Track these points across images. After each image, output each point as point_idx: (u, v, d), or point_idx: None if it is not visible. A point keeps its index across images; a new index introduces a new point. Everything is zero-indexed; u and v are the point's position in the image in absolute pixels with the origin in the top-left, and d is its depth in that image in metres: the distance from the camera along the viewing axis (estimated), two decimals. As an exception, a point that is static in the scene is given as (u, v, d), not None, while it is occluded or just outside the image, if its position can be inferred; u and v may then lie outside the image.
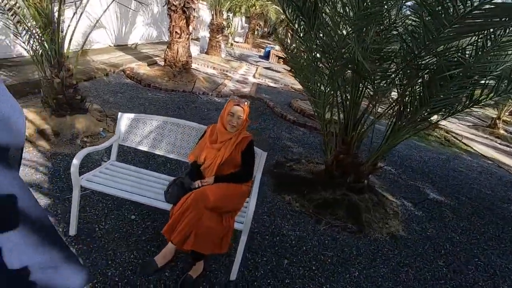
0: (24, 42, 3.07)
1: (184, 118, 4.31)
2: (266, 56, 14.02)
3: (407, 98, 2.64)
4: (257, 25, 22.36)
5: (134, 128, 2.22)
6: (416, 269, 2.41)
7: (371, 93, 2.66)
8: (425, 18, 1.89)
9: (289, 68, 11.36)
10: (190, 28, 6.17)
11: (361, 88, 2.89)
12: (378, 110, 2.83)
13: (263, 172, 3.32)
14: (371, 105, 3.02)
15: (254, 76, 9.06)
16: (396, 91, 2.73)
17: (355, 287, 2.09)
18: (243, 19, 22.15)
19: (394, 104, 2.92)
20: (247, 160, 2.02)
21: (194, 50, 9.98)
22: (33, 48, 3.11)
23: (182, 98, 5.40)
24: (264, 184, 3.15)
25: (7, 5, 2.94)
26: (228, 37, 14.75)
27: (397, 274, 2.31)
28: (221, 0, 9.56)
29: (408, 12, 2.66)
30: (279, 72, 10.91)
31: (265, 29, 28.01)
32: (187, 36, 6.23)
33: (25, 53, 5.19)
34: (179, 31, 6.05)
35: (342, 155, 3.15)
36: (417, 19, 2.10)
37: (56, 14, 2.97)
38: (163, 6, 6.27)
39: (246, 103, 1.97)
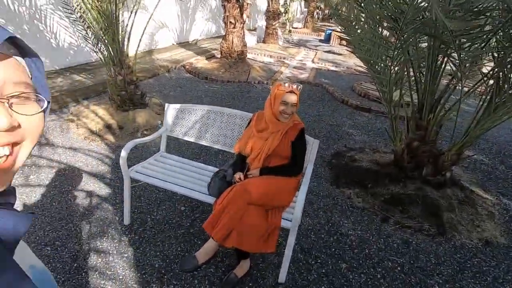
0: (93, 46, 3.36)
1: (238, 108, 4.26)
2: (327, 39, 13.15)
3: (509, 66, 2.02)
4: (317, 8, 21.21)
5: (180, 119, 2.18)
6: (523, 288, 1.86)
7: (456, 63, 2.11)
8: None
9: (351, 50, 10.45)
10: (244, 16, 6.06)
11: (440, 59, 2.34)
12: (461, 91, 2.24)
13: (319, 164, 3.04)
14: (454, 80, 2.43)
15: (312, 61, 8.55)
16: (492, 57, 2.12)
17: (434, 305, 1.70)
18: (302, 3, 21.26)
19: (488, 76, 2.29)
20: (297, 151, 1.78)
21: (251, 40, 9.91)
22: (101, 50, 3.38)
23: (237, 89, 5.36)
24: (321, 176, 2.86)
25: (78, 13, 3.24)
26: (286, 24, 14.31)
27: (494, 292, 1.81)
28: (277, -16, 9.20)
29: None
30: (340, 54, 10.10)
31: (326, 11, 26.43)
32: (242, 25, 6.14)
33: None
34: (233, 21, 5.99)
35: (416, 143, 2.64)
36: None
37: (115, 15, 3.14)
38: (217, -3, 6.26)
39: (298, 87, 1.72)
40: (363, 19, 2.28)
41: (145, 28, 3.46)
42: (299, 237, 2.07)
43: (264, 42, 10.33)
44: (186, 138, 2.19)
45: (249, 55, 7.71)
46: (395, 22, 1.87)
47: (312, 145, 1.93)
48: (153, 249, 1.85)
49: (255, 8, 14.60)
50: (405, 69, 2.40)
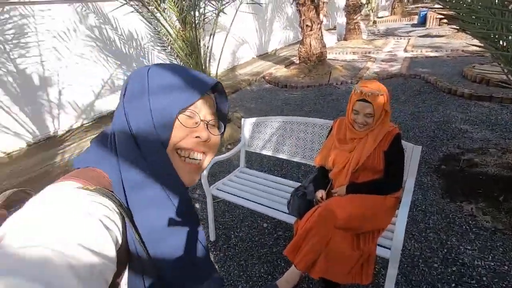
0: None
1: (321, 113, 4.01)
2: (422, 22, 11.44)
3: None
4: (406, -10, 18.80)
5: (257, 133, 2.12)
6: None
7: None
8: None
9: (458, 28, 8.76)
10: (321, 16, 5.78)
11: None
12: None
13: (424, 172, 2.51)
14: None
15: (405, 50, 7.50)
16: None
17: None
18: (387, -11, 19.23)
19: None
20: (393, 163, 1.46)
21: (331, 39, 9.44)
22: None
23: (318, 93, 5.10)
24: (427, 187, 2.35)
25: (169, 46, 3.66)
26: (369, 15, 13.15)
27: None
28: (355, -25, 8.54)
29: None
30: (441, 36, 8.57)
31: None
32: (319, 26, 5.87)
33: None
34: (309, 23, 5.79)
35: None
36: None
37: (196, 40, 3.40)
38: (291, 4, 6.19)
39: (379, 94, 1.40)
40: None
41: (222, 47, 3.64)
42: (403, 265, 1.70)
43: (345, 39, 9.70)
44: (264, 152, 2.11)
45: (329, 56, 7.32)
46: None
47: (412, 153, 1.56)
48: (237, 269, 1.81)
49: (333, 6, 13.95)
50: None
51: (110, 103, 5.02)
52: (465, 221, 1.97)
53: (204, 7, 3.39)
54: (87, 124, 4.66)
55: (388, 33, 10.91)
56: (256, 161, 3.04)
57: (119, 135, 0.48)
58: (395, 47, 8.17)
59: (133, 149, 0.47)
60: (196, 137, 0.51)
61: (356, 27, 9.37)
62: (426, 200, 2.21)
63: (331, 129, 1.68)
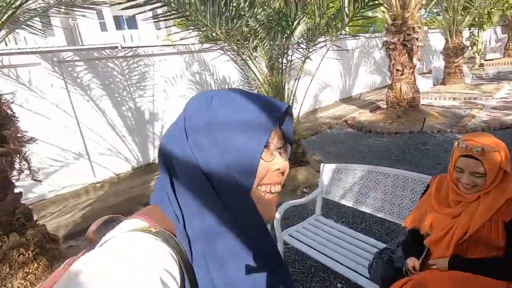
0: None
1: (411, 164, 3.57)
2: (549, 65, 9.55)
3: None
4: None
5: (337, 180, 1.99)
6: None
7: None
8: None
9: None
10: (414, 60, 5.42)
11: None
12: None
13: None
14: None
15: (526, 97, 6.28)
16: None
17: None
18: (498, 30, 17.15)
19: None
20: None
21: (425, 84, 8.70)
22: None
23: (408, 140, 4.60)
24: None
25: (256, 89, 3.95)
26: (474, 57, 11.75)
27: None
28: (457, 17, 7.90)
29: None
30: None
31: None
32: (411, 70, 5.50)
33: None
34: (400, 68, 5.48)
35: None
36: None
37: (282, 84, 3.58)
38: (380, 49, 6.04)
39: (493, 150, 1.15)
40: None
41: (306, 91, 3.72)
42: None
43: (443, 84, 8.80)
44: (343, 202, 1.94)
45: (423, 101, 6.69)
46: None
47: (549, 230, 1.18)
48: (303, 332, 1.61)
49: (429, 49, 13.06)
50: None
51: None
52: None
53: (292, 54, 3.59)
54: (179, 155, 5.26)
55: (501, 77, 9.43)
56: (334, 210, 2.82)
57: (183, 173, 0.44)
58: (511, 93, 6.93)
59: (203, 193, 0.42)
60: (276, 169, 0.46)
61: (458, 71, 8.44)
62: None
63: (428, 186, 1.44)
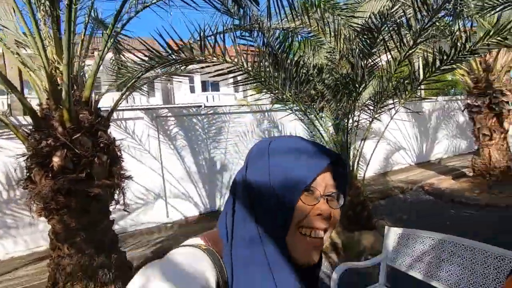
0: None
1: (509, 247, 2.97)
2: None
3: None
4: None
5: (404, 247, 1.83)
6: None
7: None
8: None
9: None
10: (506, 124, 4.84)
11: None
12: None
13: None
14: None
15: None
16: None
17: None
18: None
19: None
20: None
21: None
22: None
23: (504, 217, 3.89)
24: None
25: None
26: None
27: None
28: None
29: None
30: None
31: None
32: (502, 135, 4.89)
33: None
34: (488, 132, 4.93)
35: None
36: None
37: (347, 144, 3.61)
38: (462, 111, 5.62)
39: None
40: None
41: (373, 152, 3.65)
42: None
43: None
44: (410, 273, 1.75)
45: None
46: None
47: None
48: None
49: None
50: None
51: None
52: None
53: (359, 115, 3.66)
54: (242, 206, 5.45)
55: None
56: (402, 282, 2.49)
57: (240, 211, 0.50)
58: None
59: (252, 229, 0.48)
60: (318, 214, 0.49)
61: None
62: None
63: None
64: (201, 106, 6.85)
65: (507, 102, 4.80)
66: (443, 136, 8.96)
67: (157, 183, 4.69)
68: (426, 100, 8.31)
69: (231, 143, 5.44)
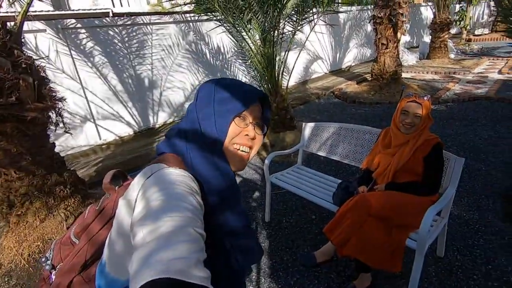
0: (258, 82, 4.30)
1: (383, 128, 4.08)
2: (530, 41, 9.97)
3: None
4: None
5: (315, 136, 2.45)
6: None
7: None
8: None
9: None
10: (398, 35, 5.76)
11: None
12: None
13: (488, 195, 2.46)
14: None
15: (500, 72, 6.76)
16: None
17: None
18: (489, 3, 17.19)
19: None
20: (430, 169, 1.64)
21: (411, 58, 9.06)
22: (263, 84, 4.26)
23: (387, 110, 5.09)
24: (487, 209, 2.31)
25: (249, 60, 4.27)
26: (462, 32, 12.03)
27: None
28: (446, -9, 8.10)
29: None
30: (552, 58, 7.40)
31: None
32: (395, 44, 5.85)
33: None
34: (385, 42, 5.82)
35: None
36: None
37: (273, 55, 3.92)
38: (369, 22, 6.31)
39: (425, 97, 1.64)
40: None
41: (295, 62, 4.06)
42: (439, 270, 1.80)
43: (428, 58, 9.17)
44: (319, 153, 2.43)
45: (407, 74, 7.13)
46: None
47: (455, 164, 1.69)
48: (285, 245, 2.16)
49: (421, 23, 13.21)
50: None
51: (196, 105, 5.96)
52: (521, 245, 1.92)
53: (283, 27, 3.90)
54: (177, 121, 5.63)
55: (483, 52, 9.85)
56: (312, 161, 3.36)
57: (191, 131, 0.64)
58: (488, 68, 7.40)
59: (201, 142, 0.63)
60: (245, 135, 0.65)
61: (443, 45, 8.78)
62: (481, 220, 2.19)
63: (379, 136, 1.92)
64: (108, 12, 5.94)
65: (402, 14, 5.59)
66: (353, 45, 9.99)
67: (81, 105, 4.40)
68: (341, 12, 8.79)
69: (157, 57, 5.17)
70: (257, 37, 3.83)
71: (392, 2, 5.48)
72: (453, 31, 13.07)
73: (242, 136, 0.65)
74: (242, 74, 6.64)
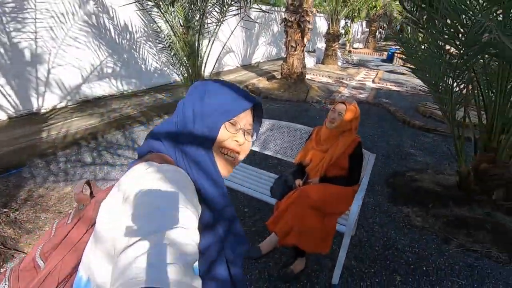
0: (176, 69, 4.03)
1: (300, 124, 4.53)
2: (390, 59, 12.79)
3: None
4: (380, 28, 20.76)
5: (248, 131, 2.51)
6: None
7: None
8: None
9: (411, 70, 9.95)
10: (305, 40, 6.41)
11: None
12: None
13: (377, 181, 3.07)
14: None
15: (373, 81, 8.44)
16: None
17: (499, 331, 1.62)
18: (363, 24, 21.07)
19: None
20: (354, 163, 1.94)
21: (310, 61, 10.23)
22: (182, 72, 4.03)
23: (296, 107, 5.64)
24: (378, 193, 2.89)
25: (167, 43, 3.95)
26: (346, 45, 14.36)
27: None
28: (338, 7, 9.46)
29: None
30: (404, 74, 9.73)
31: (390, 31, 25.59)
32: (302, 48, 6.50)
33: (178, 79, 6.75)
34: (294, 45, 6.39)
35: (485, 165, 2.53)
36: None
37: (196, 44, 3.76)
38: (280, 24, 6.77)
39: (353, 103, 1.92)
40: (423, 41, 2.37)
41: (209, 53, 3.99)
42: (354, 247, 2.17)
43: (323, 63, 10.56)
44: (253, 148, 2.50)
45: (308, 76, 8.00)
46: (456, 44, 1.95)
47: (369, 159, 2.05)
48: (221, 241, 2.15)
49: (315, 31, 15.02)
50: (470, 88, 2.38)
51: (96, 88, 5.12)
52: (402, 220, 2.51)
53: (207, 18, 3.77)
54: (72, 106, 4.71)
55: (361, 64, 12.04)
56: (248, 156, 3.42)
57: (183, 131, 0.62)
58: (365, 77, 9.12)
59: (189, 143, 0.60)
60: (235, 140, 0.64)
61: (334, 54, 10.28)
62: (375, 202, 2.74)
63: (311, 134, 2.13)
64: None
65: (309, 21, 6.24)
66: (262, 43, 10.54)
67: None
68: (254, 9, 9.09)
69: (43, 25, 4.15)
70: (180, 22, 3.58)
71: (301, 9, 6.03)
72: (341, 41, 15.47)
73: (231, 141, 0.64)
74: (152, 59, 6.07)
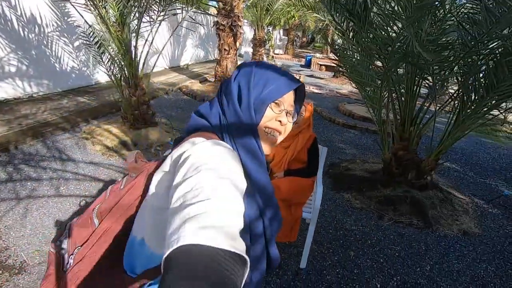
0: (106, 69, 3.66)
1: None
2: (308, 65, 14.12)
3: (470, 87, 2.56)
4: (295, 36, 22.67)
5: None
6: (496, 265, 2.26)
7: (430, 85, 2.63)
8: (487, 1, 1.87)
9: (332, 74, 11.24)
10: (237, 44, 6.59)
11: (416, 83, 2.86)
12: (435, 108, 2.76)
13: (323, 174, 3.43)
14: (429, 99, 2.96)
15: (298, 85, 9.20)
16: (457, 81, 2.66)
17: (428, 280, 2.05)
18: (281, 31, 22.68)
19: (455, 95, 2.83)
20: (312, 157, 2.14)
21: (239, 65, 10.52)
22: (114, 73, 3.68)
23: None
24: (323, 183, 3.22)
25: (94, 40, 3.55)
26: (269, 50, 15.23)
27: (474, 270, 2.20)
28: (262, 15, 10.00)
29: (464, 0, 2.61)
30: (322, 78, 10.92)
31: (303, 39, 28.22)
32: (235, 51, 6.66)
33: (101, 80, 6.06)
34: (227, 48, 6.51)
35: (401, 152, 3.10)
36: (476, 5, 2.08)
37: (134, 43, 3.50)
38: (212, 27, 6.80)
39: (310, 103, 2.12)
40: (356, 50, 2.78)
41: (160, 54, 3.82)
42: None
43: (251, 67, 10.97)
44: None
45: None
46: (382, 53, 2.37)
47: (322, 151, 2.31)
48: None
49: (243, 36, 15.48)
50: (390, 89, 2.90)
51: (-3, 90, 4.23)
52: (345, 204, 2.88)
53: (142, 17, 3.54)
54: (-38, 113, 3.77)
55: (283, 68, 12.94)
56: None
57: (228, 111, 0.64)
58: (290, 81, 9.88)
59: (238, 123, 0.62)
60: (278, 120, 0.67)
61: (260, 58, 10.80)
62: (324, 191, 3.06)
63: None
64: None
65: (241, 26, 6.45)
66: (190, 45, 10.33)
67: None
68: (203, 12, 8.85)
69: None
70: (113, 18, 3.28)
71: (233, 13, 6.19)
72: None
73: (274, 121, 0.66)
74: (68, 57, 5.33)
